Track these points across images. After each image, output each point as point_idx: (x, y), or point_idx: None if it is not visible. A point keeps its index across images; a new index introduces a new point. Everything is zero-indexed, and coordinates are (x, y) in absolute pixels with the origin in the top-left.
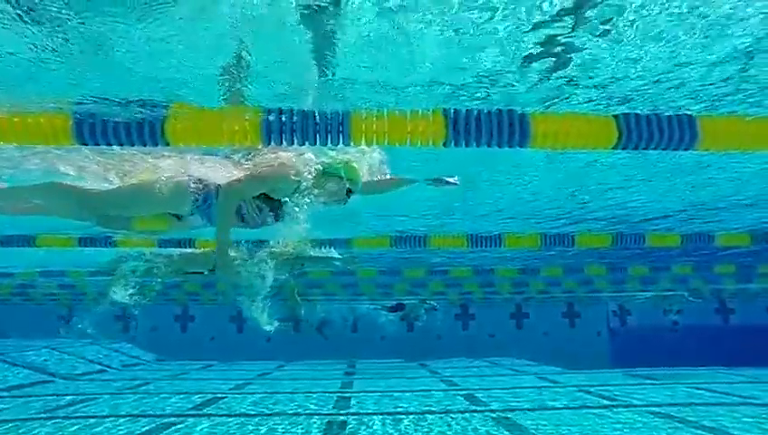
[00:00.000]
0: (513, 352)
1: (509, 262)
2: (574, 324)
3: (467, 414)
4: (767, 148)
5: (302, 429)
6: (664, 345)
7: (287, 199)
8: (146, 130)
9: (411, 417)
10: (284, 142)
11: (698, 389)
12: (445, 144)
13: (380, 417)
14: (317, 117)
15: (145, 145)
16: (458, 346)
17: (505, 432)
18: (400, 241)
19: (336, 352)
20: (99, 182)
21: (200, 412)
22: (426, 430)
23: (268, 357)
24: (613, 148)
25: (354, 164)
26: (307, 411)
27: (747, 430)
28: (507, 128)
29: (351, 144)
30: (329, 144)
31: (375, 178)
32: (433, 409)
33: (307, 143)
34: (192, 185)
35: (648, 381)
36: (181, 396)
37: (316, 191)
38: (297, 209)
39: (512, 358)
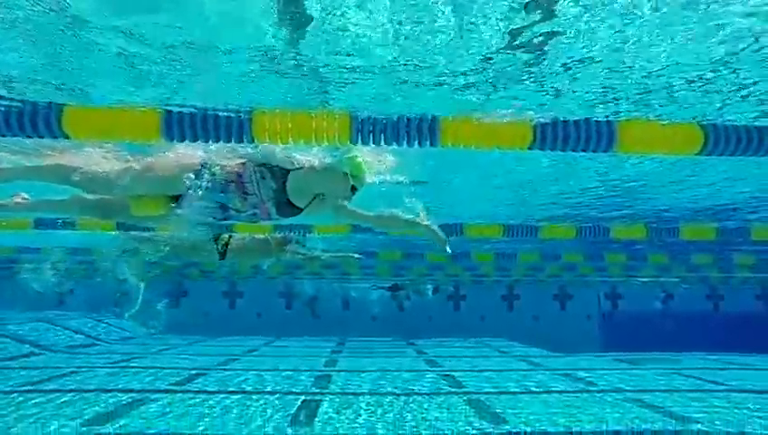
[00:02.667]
0: (504, 333)
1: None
2: (565, 307)
3: (442, 396)
4: (682, 152)
5: (273, 407)
6: (654, 329)
7: (294, 171)
8: (40, 123)
9: (387, 398)
10: (186, 139)
11: (678, 374)
12: (351, 142)
13: (355, 397)
14: (219, 115)
15: (42, 137)
16: (449, 327)
17: (474, 414)
18: (359, 228)
19: (328, 329)
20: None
21: (176, 388)
22: (395, 410)
23: (260, 333)
24: (529, 148)
25: (359, 161)
26: (283, 390)
27: (712, 417)
28: (416, 130)
29: (255, 142)
30: (232, 142)
31: (378, 213)
32: (409, 389)
33: (211, 141)
34: (197, 161)
35: (629, 366)
36: (163, 371)
37: (321, 186)
38: (302, 199)
39: (502, 339)
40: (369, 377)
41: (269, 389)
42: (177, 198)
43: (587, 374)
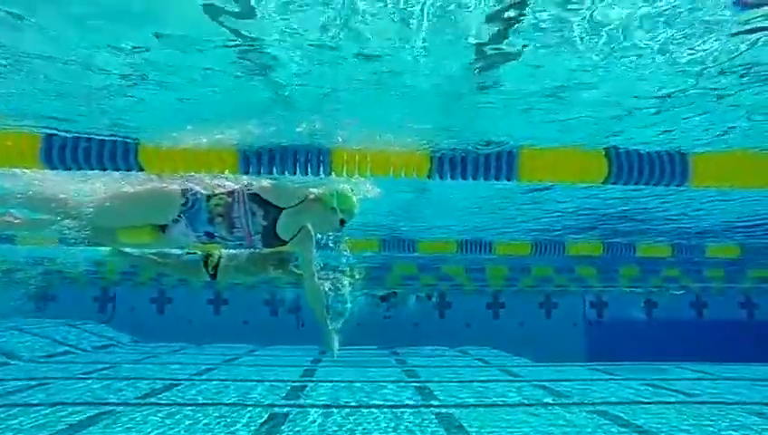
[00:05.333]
0: (490, 341)
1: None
2: (550, 315)
3: (411, 409)
4: (587, 180)
5: (242, 419)
6: (639, 337)
7: (288, 209)
8: None
9: (354, 410)
10: (71, 168)
11: (650, 386)
12: (241, 173)
13: (325, 409)
14: (105, 144)
15: None
16: (435, 334)
17: (439, 428)
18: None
19: (312, 337)
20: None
21: (144, 401)
22: (357, 423)
23: (244, 341)
24: (427, 177)
25: (348, 194)
26: (253, 403)
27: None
28: (304, 160)
29: (144, 171)
30: (121, 171)
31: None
32: (379, 402)
33: (95, 169)
34: (181, 190)
35: (606, 377)
36: (137, 382)
37: (309, 220)
38: (288, 233)
39: (487, 348)
40: (345, 389)
41: (240, 401)
42: (164, 227)
43: (555, 385)
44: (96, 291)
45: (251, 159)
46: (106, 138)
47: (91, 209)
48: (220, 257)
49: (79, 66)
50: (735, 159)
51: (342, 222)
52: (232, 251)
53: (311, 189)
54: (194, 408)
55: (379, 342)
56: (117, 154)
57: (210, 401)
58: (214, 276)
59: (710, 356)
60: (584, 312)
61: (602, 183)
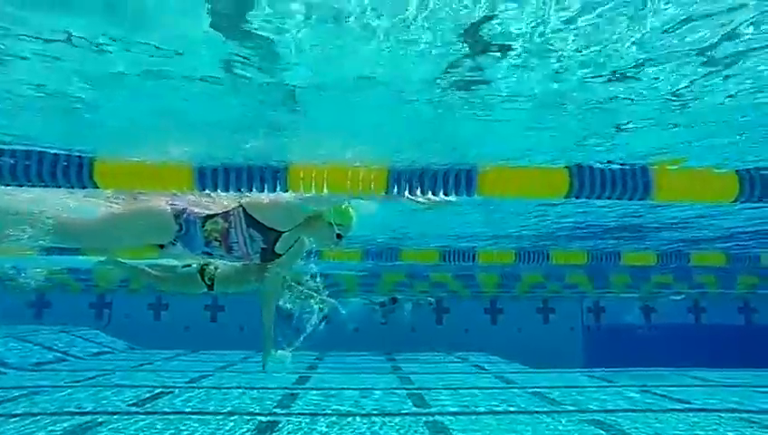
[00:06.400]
0: (488, 347)
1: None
2: (548, 320)
3: (401, 417)
4: (547, 196)
5: (229, 428)
6: (637, 343)
7: (288, 232)
8: None
9: (341, 418)
10: (22, 185)
11: (645, 392)
12: (197, 189)
13: (313, 418)
14: (59, 160)
15: None
16: (432, 340)
17: None
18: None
19: (308, 342)
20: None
21: (133, 410)
22: (344, 431)
23: (241, 347)
24: (386, 192)
25: (345, 208)
26: (243, 411)
27: None
28: (258, 179)
29: (96, 187)
30: (75, 188)
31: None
32: (369, 410)
33: (50, 186)
34: (174, 214)
35: (604, 383)
36: (127, 390)
37: (306, 234)
38: (285, 248)
39: (485, 353)
40: (336, 396)
41: (229, 410)
42: (161, 245)
43: (560, 393)
44: (92, 297)
45: (206, 177)
46: (60, 152)
47: (85, 230)
48: (216, 268)
49: (34, 79)
50: (696, 175)
51: (339, 236)
52: (228, 262)
53: (311, 206)
54: (181, 416)
55: (376, 348)
56: (71, 170)
57: (199, 410)
58: (210, 287)
59: (709, 362)
60: (582, 317)
61: (564, 198)
